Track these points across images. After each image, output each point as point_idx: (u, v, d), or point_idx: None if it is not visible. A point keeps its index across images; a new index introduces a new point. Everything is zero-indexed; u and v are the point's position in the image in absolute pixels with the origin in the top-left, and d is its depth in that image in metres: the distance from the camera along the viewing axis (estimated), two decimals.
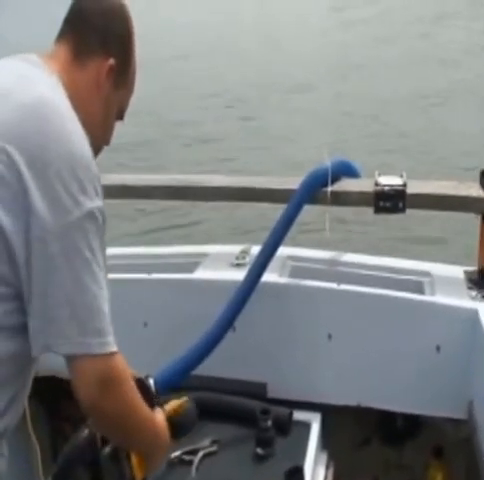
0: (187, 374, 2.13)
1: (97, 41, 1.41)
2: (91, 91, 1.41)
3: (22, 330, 1.25)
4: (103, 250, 1.27)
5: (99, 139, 1.45)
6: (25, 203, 1.19)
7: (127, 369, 1.31)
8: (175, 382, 2.09)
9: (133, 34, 1.48)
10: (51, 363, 1.44)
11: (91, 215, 1.23)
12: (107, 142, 1.52)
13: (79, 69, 1.40)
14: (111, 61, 1.42)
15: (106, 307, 1.25)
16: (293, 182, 2.34)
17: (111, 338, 1.25)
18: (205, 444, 2.03)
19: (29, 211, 1.19)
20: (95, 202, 1.24)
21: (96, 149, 1.41)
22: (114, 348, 1.26)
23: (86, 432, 1.69)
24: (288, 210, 2.21)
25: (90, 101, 1.41)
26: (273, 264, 2.30)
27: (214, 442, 2.03)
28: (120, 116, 1.53)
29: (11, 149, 1.20)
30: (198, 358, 2.14)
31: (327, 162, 2.29)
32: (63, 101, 1.31)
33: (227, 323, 2.15)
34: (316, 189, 2.25)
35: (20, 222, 1.19)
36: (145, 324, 2.22)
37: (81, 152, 1.25)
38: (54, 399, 2.46)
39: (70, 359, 1.25)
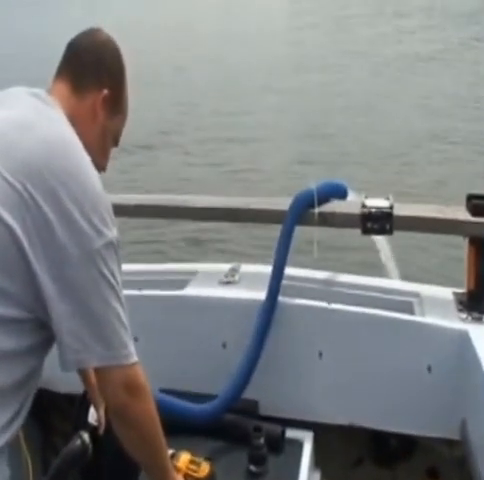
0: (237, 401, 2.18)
1: (92, 76, 1.55)
2: (88, 122, 1.53)
3: (37, 346, 1.38)
4: (120, 272, 1.40)
5: (97, 166, 1.51)
6: (48, 234, 1.29)
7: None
8: (227, 408, 2.17)
9: (124, 66, 1.62)
10: (43, 376, 1.45)
11: (111, 243, 1.36)
12: (104, 168, 1.61)
13: (77, 103, 1.52)
14: (105, 92, 1.55)
15: (127, 322, 1.41)
16: (280, 203, 2.38)
17: (133, 349, 1.41)
18: None
19: (54, 242, 1.29)
20: (113, 231, 1.37)
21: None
22: (136, 358, 1.42)
23: (78, 442, 1.71)
24: (284, 231, 2.25)
25: (88, 132, 1.51)
26: (262, 282, 2.33)
27: (207, 459, 2.03)
28: (115, 142, 1.64)
29: (32, 186, 1.29)
30: (241, 388, 2.17)
31: (314, 184, 2.33)
32: (76, 138, 1.41)
33: (260, 346, 2.18)
34: (305, 210, 2.28)
35: (46, 253, 1.29)
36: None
37: (99, 187, 1.37)
38: (45, 412, 2.46)
39: (99, 370, 1.41)
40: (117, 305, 1.37)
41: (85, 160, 1.38)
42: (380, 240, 2.44)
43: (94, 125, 1.54)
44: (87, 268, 1.32)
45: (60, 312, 1.32)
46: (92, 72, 1.55)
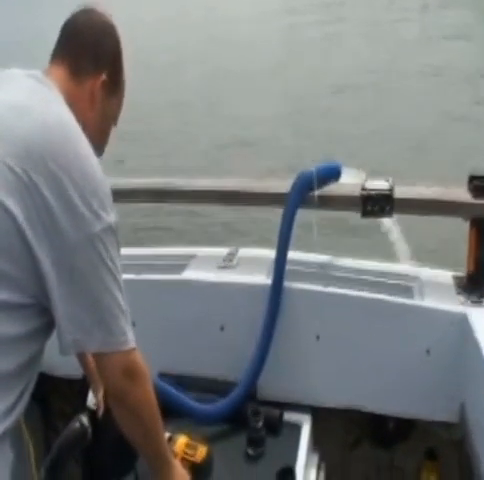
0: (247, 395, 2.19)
1: (90, 60, 1.53)
2: (87, 106, 1.52)
3: (38, 331, 1.38)
4: (119, 257, 1.40)
5: (96, 149, 1.51)
6: (49, 218, 1.28)
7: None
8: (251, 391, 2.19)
9: (121, 48, 1.60)
10: (44, 360, 1.46)
11: (110, 228, 1.36)
12: (103, 150, 1.61)
13: (75, 86, 1.52)
14: (103, 76, 1.54)
15: (127, 308, 1.41)
16: (278, 186, 2.37)
17: (132, 335, 1.41)
18: None
19: (55, 226, 1.29)
20: (112, 216, 1.36)
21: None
22: (134, 344, 1.42)
23: (78, 424, 1.72)
24: (286, 214, 2.23)
25: (86, 115, 1.51)
26: (260, 266, 2.32)
27: (204, 442, 2.02)
28: (114, 122, 1.64)
29: (33, 170, 1.28)
30: (254, 376, 2.18)
31: (312, 166, 2.31)
32: (74, 120, 1.40)
33: (270, 333, 2.18)
34: (305, 193, 2.26)
35: (47, 237, 1.29)
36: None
37: (98, 171, 1.37)
38: (46, 396, 2.46)
39: (98, 355, 1.41)
40: (116, 290, 1.37)
41: (84, 144, 1.37)
42: (387, 222, 2.42)
43: (93, 109, 1.53)
44: (86, 252, 1.32)
45: (60, 296, 1.32)
46: (90, 55, 1.53)
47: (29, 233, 1.28)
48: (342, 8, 19.32)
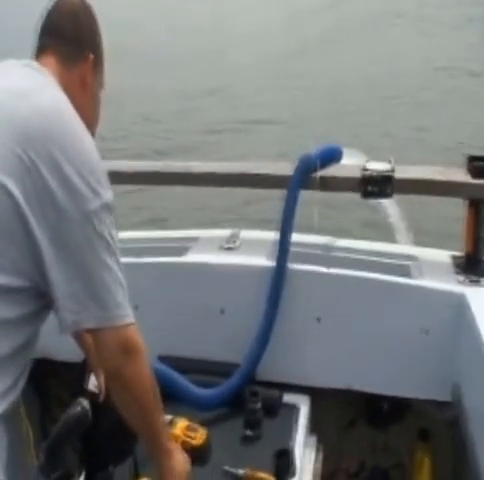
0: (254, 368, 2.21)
1: (73, 45, 1.57)
2: (79, 90, 1.55)
3: (34, 314, 1.39)
4: (117, 234, 1.40)
5: (94, 126, 1.59)
6: (47, 197, 1.30)
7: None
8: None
9: (98, 27, 1.63)
10: (42, 345, 1.47)
11: (108, 204, 1.37)
12: (96, 124, 1.65)
13: (67, 73, 1.54)
14: (90, 57, 1.57)
15: (125, 283, 1.41)
16: (280, 168, 2.38)
17: (129, 310, 1.41)
18: None
19: (53, 205, 1.30)
20: (109, 193, 1.38)
21: (92, 135, 1.51)
22: (132, 319, 1.41)
23: (78, 408, 1.72)
24: (289, 196, 2.24)
25: (80, 99, 1.53)
26: (261, 248, 2.33)
27: (203, 425, 2.04)
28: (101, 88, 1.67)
29: (33, 152, 1.31)
30: (258, 354, 2.20)
31: (314, 148, 2.32)
32: (69, 104, 1.43)
33: (272, 315, 2.20)
34: (307, 175, 2.27)
35: (45, 216, 1.30)
36: (136, 307, 2.23)
37: (94, 150, 1.39)
38: (45, 380, 2.48)
39: (96, 332, 1.40)
40: (114, 265, 1.38)
41: (80, 125, 1.40)
42: (389, 204, 2.44)
43: (86, 92, 1.57)
44: (84, 229, 1.33)
45: (58, 274, 1.33)
46: (72, 40, 1.56)
47: (28, 213, 1.29)
48: None
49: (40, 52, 1.56)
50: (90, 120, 1.54)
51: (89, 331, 1.43)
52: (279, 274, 2.20)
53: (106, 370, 1.48)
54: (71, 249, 1.33)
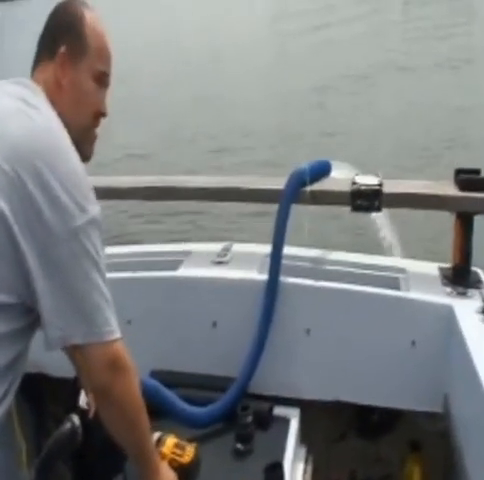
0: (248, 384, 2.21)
1: (48, 42, 1.53)
2: (55, 88, 1.50)
3: (22, 331, 1.39)
4: (103, 249, 1.41)
5: (84, 120, 1.55)
6: (35, 214, 1.31)
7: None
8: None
9: (82, 12, 1.54)
10: (37, 359, 1.48)
11: (94, 220, 1.38)
12: (103, 114, 1.59)
13: (46, 74, 1.51)
14: (62, 49, 1.51)
15: (111, 299, 1.41)
16: (272, 182, 2.41)
17: (116, 325, 1.41)
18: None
19: (40, 221, 1.32)
20: (96, 208, 1.39)
21: (88, 130, 1.55)
22: (119, 335, 1.42)
23: (69, 425, 1.73)
24: (281, 210, 2.26)
25: (56, 98, 1.49)
26: (253, 261, 2.35)
27: (192, 441, 2.02)
28: (103, 80, 1.58)
29: (21, 169, 1.32)
30: (251, 368, 2.20)
31: (304, 163, 2.35)
32: (59, 122, 1.43)
33: (265, 329, 2.21)
34: (298, 189, 2.30)
35: (32, 232, 1.32)
36: (128, 322, 2.25)
37: (80, 167, 1.40)
38: (40, 396, 2.48)
39: (83, 348, 1.39)
40: (100, 281, 1.39)
41: (67, 142, 1.41)
42: (380, 217, 2.46)
43: (61, 92, 1.51)
44: (71, 245, 1.34)
45: (44, 290, 1.33)
46: (48, 43, 1.54)
47: (16, 229, 1.30)
48: None
49: (33, 66, 1.56)
50: (75, 117, 1.50)
51: (76, 347, 1.41)
52: (272, 288, 2.22)
53: (94, 387, 1.46)
54: (58, 265, 1.34)
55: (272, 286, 2.22)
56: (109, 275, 2.36)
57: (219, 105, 11.61)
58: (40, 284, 1.33)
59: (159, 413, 1.74)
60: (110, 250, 2.64)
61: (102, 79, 1.58)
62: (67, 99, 1.51)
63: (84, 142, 1.53)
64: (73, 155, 1.40)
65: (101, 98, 1.58)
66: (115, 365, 1.40)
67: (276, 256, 2.24)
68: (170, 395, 2.10)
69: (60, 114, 1.45)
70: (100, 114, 1.59)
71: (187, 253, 2.55)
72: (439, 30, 15.56)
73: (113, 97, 1.63)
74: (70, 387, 1.88)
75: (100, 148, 1.64)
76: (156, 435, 1.79)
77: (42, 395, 2.48)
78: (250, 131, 9.81)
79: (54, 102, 1.47)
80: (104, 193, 2.40)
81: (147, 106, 11.75)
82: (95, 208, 1.38)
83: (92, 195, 1.39)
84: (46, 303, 1.35)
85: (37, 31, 1.58)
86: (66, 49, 1.51)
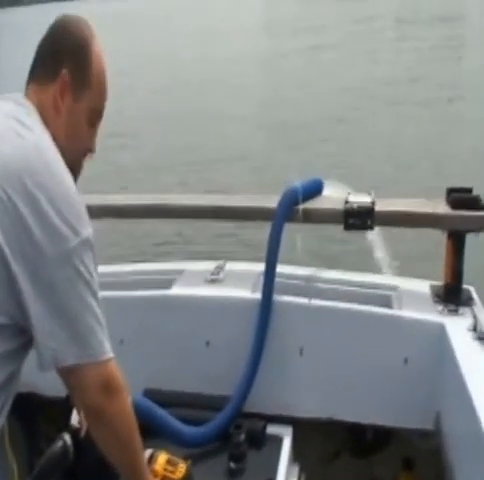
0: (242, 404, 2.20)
1: (49, 65, 1.49)
2: (52, 112, 1.48)
3: (15, 351, 1.39)
4: (96, 270, 1.41)
5: (75, 154, 1.53)
6: (26, 235, 1.31)
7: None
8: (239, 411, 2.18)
9: (88, 39, 1.51)
10: (28, 379, 1.47)
11: (87, 241, 1.37)
12: (90, 150, 1.58)
13: (43, 95, 1.48)
14: (63, 72, 1.48)
15: (103, 319, 1.40)
16: (264, 200, 2.42)
17: (109, 347, 1.41)
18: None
19: (32, 243, 1.31)
20: (88, 230, 1.38)
21: (76, 164, 1.52)
22: (112, 355, 1.41)
23: (60, 444, 1.71)
24: (274, 229, 2.27)
25: (54, 122, 1.48)
26: (246, 280, 2.36)
27: (185, 459, 2.01)
28: (96, 119, 1.57)
29: (11, 189, 1.31)
30: (246, 388, 2.20)
31: (298, 181, 2.36)
32: (51, 143, 1.41)
33: (260, 348, 2.21)
34: (291, 207, 2.31)
35: (24, 254, 1.31)
36: (121, 341, 2.25)
37: (72, 188, 1.39)
38: (31, 416, 2.47)
39: (75, 370, 1.38)
40: (93, 303, 1.38)
41: (59, 163, 1.40)
42: (372, 235, 2.47)
43: (58, 114, 1.49)
44: (64, 267, 1.33)
45: (37, 312, 1.33)
46: (49, 62, 1.49)
47: (7, 251, 1.30)
48: None
49: (28, 80, 1.53)
50: (69, 149, 1.48)
51: (69, 369, 1.39)
52: (266, 306, 2.22)
53: (87, 408, 1.45)
54: (50, 287, 1.33)
55: (266, 305, 2.22)
56: (102, 294, 2.36)
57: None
58: (32, 305, 1.33)
59: (152, 432, 1.73)
60: (103, 269, 2.64)
61: (97, 117, 1.57)
62: (62, 126, 1.49)
63: (70, 171, 1.49)
64: (66, 176, 1.39)
65: (93, 135, 1.58)
66: (109, 386, 1.40)
67: (270, 274, 2.24)
68: (163, 414, 2.08)
69: (54, 138, 1.44)
70: (89, 150, 1.58)
71: (180, 272, 2.55)
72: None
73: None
74: (62, 406, 1.87)
75: None
76: (148, 452, 1.79)
77: (34, 414, 2.46)
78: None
79: (49, 124, 1.46)
80: (97, 211, 2.42)
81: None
82: (87, 229, 1.37)
83: (85, 216, 1.38)
84: (39, 324, 1.34)
85: (29, 37, 1.56)
86: (69, 76, 1.48)
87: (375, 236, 2.48)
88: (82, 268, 1.36)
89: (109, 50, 1.60)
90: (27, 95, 1.50)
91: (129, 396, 1.47)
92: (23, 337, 1.38)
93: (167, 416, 2.09)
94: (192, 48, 19.27)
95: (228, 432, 2.09)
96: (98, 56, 1.53)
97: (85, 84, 1.51)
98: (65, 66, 1.48)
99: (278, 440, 2.15)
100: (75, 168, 1.52)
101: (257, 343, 2.21)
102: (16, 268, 1.31)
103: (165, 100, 13.58)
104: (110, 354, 1.41)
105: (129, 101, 12.00)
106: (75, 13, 1.58)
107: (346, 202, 2.32)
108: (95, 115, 1.56)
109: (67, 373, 1.42)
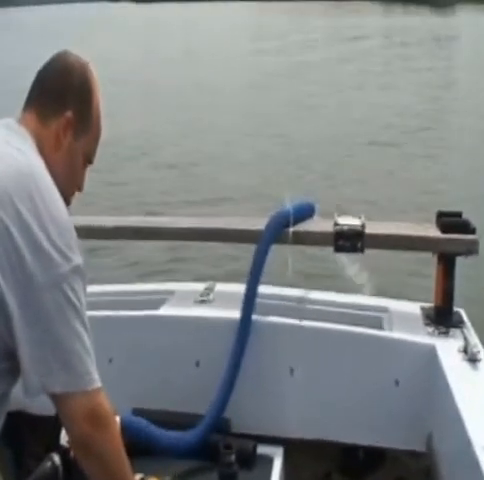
0: (215, 426, 2.18)
1: (55, 103, 1.52)
2: (53, 150, 1.50)
3: (6, 373, 1.37)
4: (86, 298, 1.40)
5: (68, 189, 1.54)
6: (17, 260, 1.30)
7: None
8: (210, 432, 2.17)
9: (91, 85, 1.57)
10: (18, 397, 1.46)
11: (77, 269, 1.37)
12: (79, 189, 1.60)
13: (43, 129, 1.50)
14: (68, 114, 1.51)
15: (92, 348, 1.38)
16: (255, 223, 2.42)
17: (97, 375, 1.38)
18: None
19: (22, 268, 1.31)
20: (79, 257, 1.38)
21: (67, 198, 1.51)
22: (99, 385, 1.38)
23: (49, 464, 1.70)
24: (259, 251, 2.28)
25: (52, 156, 1.49)
26: (236, 301, 2.36)
27: (177, 477, 2.02)
28: (89, 161, 1.61)
29: (3, 212, 1.31)
30: (221, 407, 2.19)
31: (289, 204, 2.38)
32: (44, 169, 1.42)
33: (236, 367, 2.20)
34: (280, 230, 2.32)
35: (14, 279, 1.31)
36: (110, 360, 2.24)
37: (65, 215, 1.39)
38: (19, 434, 2.45)
39: (62, 397, 1.36)
40: (82, 331, 1.37)
41: (51, 189, 1.40)
42: (349, 260, 2.48)
43: (58, 149, 1.51)
44: (53, 293, 1.33)
45: (26, 338, 1.32)
46: (55, 98, 1.52)
47: None
48: None
49: (25, 107, 1.53)
50: (64, 184, 1.49)
51: (55, 396, 1.36)
52: (243, 327, 2.21)
53: (74, 438, 1.41)
54: (39, 313, 1.32)
55: (244, 324, 2.22)
56: (92, 313, 2.35)
57: None
58: (20, 330, 1.32)
59: (139, 451, 1.71)
60: (93, 288, 2.64)
61: (90, 159, 1.61)
62: (60, 162, 1.51)
63: None
64: (58, 202, 1.39)
65: (84, 175, 1.61)
66: (96, 416, 1.37)
67: (250, 295, 2.24)
68: (145, 424, 2.09)
69: (50, 170, 1.44)
70: (78, 188, 1.60)
71: (170, 292, 2.55)
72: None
73: None
74: (51, 424, 1.86)
75: None
76: (138, 477, 1.77)
77: (22, 433, 2.44)
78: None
79: (45, 155, 1.46)
80: (86, 233, 2.42)
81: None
82: (78, 256, 1.37)
83: (75, 243, 1.38)
84: (25, 350, 1.33)
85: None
86: (73, 117, 1.52)
87: (365, 258, 2.50)
88: (72, 295, 1.35)
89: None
90: (21, 121, 1.51)
91: (117, 423, 1.45)
92: (11, 360, 1.36)
93: (147, 424, 2.09)
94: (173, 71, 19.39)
95: (214, 449, 2.07)
96: (98, 103, 1.59)
97: (85, 127, 1.55)
98: (70, 106, 1.52)
99: (269, 460, 2.14)
100: (66, 203, 1.51)
101: (233, 360, 2.20)
102: (6, 293, 1.30)
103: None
104: (98, 383, 1.38)
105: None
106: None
107: (336, 224, 2.33)
108: (90, 157, 1.60)
109: (54, 399, 1.39)
